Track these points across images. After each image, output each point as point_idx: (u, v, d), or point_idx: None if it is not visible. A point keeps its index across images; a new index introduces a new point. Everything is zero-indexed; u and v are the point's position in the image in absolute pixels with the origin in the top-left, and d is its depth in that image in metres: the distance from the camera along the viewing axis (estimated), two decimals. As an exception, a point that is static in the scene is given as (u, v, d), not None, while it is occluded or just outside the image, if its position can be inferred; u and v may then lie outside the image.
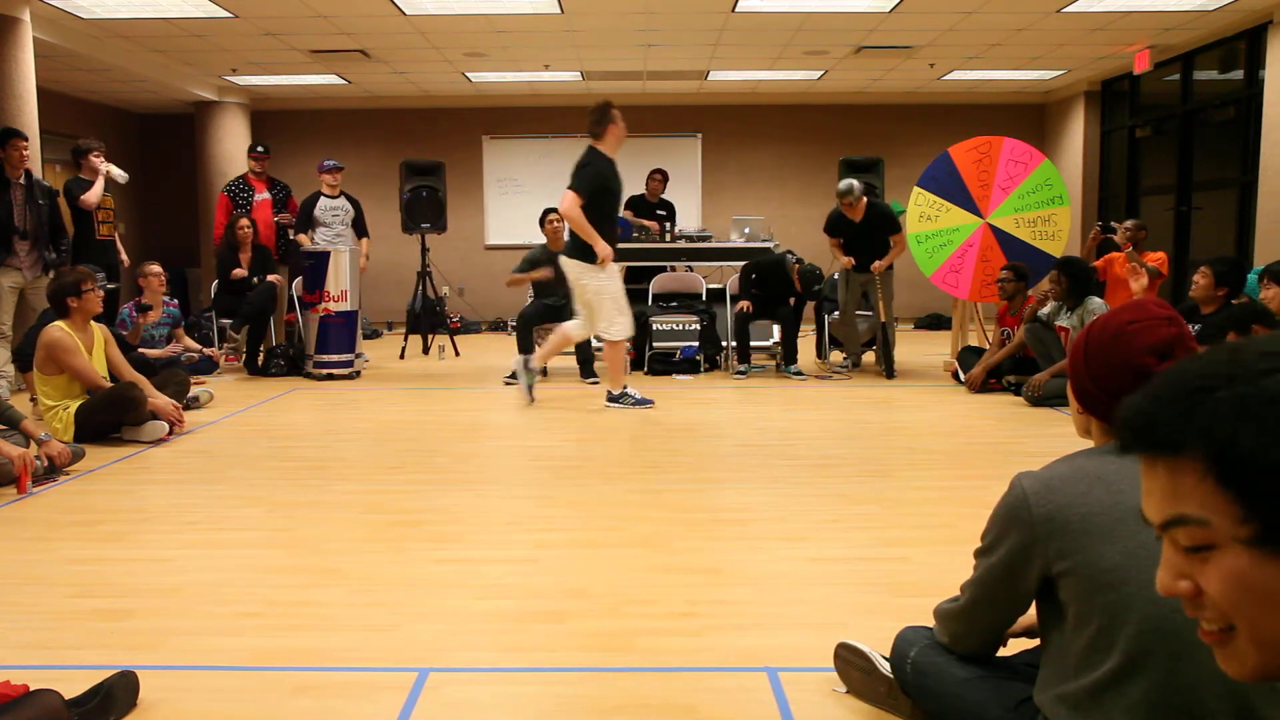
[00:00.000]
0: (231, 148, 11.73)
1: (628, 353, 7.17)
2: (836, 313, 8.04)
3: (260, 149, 9.23)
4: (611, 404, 6.42)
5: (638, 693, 2.36)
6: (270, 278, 8.42)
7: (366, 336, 11.08)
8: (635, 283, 8.55)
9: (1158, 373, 0.80)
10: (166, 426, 5.46)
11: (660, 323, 8.24)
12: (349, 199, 8.89)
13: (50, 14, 7.97)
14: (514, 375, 7.59)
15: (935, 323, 12.03)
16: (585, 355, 7.68)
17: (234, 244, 8.39)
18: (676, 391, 7.10)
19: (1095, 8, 8.17)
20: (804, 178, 12.62)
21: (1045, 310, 6.57)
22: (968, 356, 7.36)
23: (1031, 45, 9.56)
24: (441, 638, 2.70)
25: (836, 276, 8.04)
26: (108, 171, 7.44)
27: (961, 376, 7.17)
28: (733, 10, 8.13)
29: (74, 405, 5.37)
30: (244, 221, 8.44)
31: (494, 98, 12.27)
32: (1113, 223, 8.35)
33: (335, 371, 7.87)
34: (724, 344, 8.32)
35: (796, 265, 7.76)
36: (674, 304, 8.59)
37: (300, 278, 8.29)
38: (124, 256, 7.85)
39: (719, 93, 12.21)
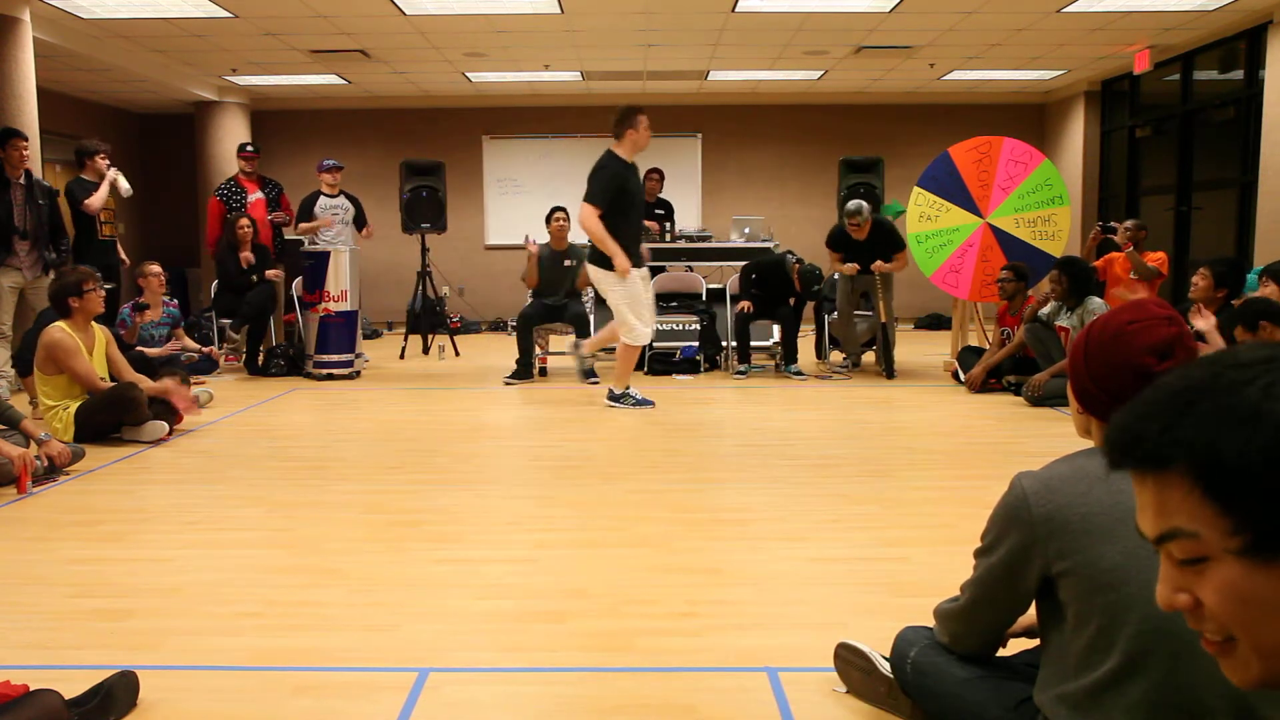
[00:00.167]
0: (231, 148, 11.66)
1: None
2: (836, 313, 8.04)
3: (250, 148, 9.14)
4: (612, 403, 6.42)
5: (638, 693, 2.36)
6: (270, 273, 8.43)
7: (366, 336, 11.08)
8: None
9: (1156, 374, 0.81)
10: (166, 426, 5.46)
11: (660, 323, 8.24)
12: (348, 197, 8.90)
13: (50, 14, 7.97)
14: (514, 376, 7.62)
15: (935, 323, 12.03)
16: (585, 355, 7.69)
17: (234, 244, 8.39)
18: (676, 391, 7.10)
19: (1095, 8, 8.17)
20: (804, 178, 12.62)
21: (1045, 310, 6.57)
22: (968, 356, 7.36)
23: (1031, 45, 9.56)
24: (441, 638, 2.70)
25: (836, 277, 8.04)
26: (115, 180, 7.44)
27: (961, 376, 7.17)
28: (733, 10, 8.13)
29: (74, 405, 5.37)
30: (244, 221, 8.44)
31: (494, 98, 12.27)
32: (1113, 223, 8.36)
33: (335, 371, 7.87)
34: (724, 344, 8.32)
35: (796, 265, 7.76)
36: (674, 304, 8.59)
37: (300, 278, 8.30)
38: (124, 257, 7.84)
39: (719, 93, 12.21)
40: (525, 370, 7.67)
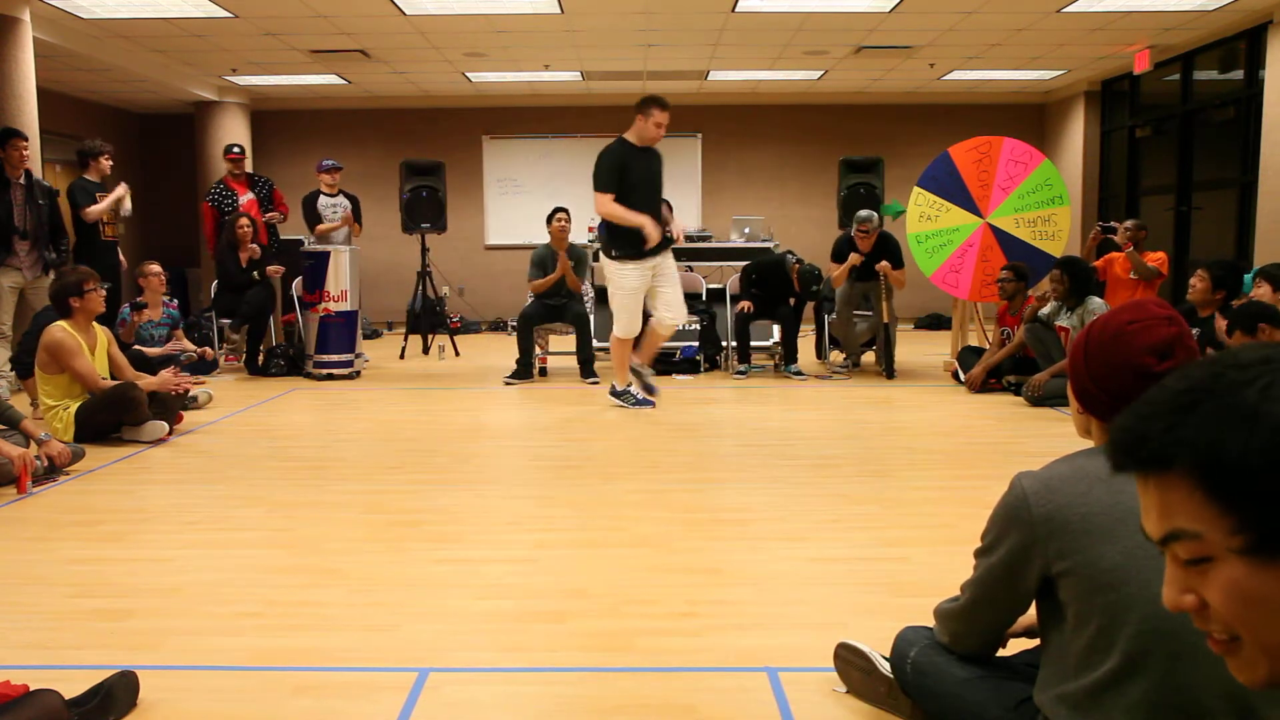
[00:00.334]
0: (232, 148, 11.72)
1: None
2: (836, 313, 8.04)
3: (236, 149, 9.05)
4: (614, 398, 6.44)
5: (638, 693, 2.36)
6: (270, 269, 8.43)
7: (366, 336, 11.08)
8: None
9: (1156, 374, 0.81)
10: (166, 426, 5.46)
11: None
12: (347, 196, 8.92)
13: (50, 14, 7.97)
14: (514, 376, 7.62)
15: (935, 323, 12.03)
16: (585, 355, 7.69)
17: (234, 243, 8.39)
18: (676, 391, 7.10)
19: (1095, 8, 8.17)
20: (804, 178, 12.62)
21: (1045, 310, 6.57)
22: (968, 356, 7.36)
23: (1031, 45, 9.56)
24: (441, 638, 2.70)
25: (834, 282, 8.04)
26: (122, 198, 7.45)
27: (961, 376, 7.17)
28: (733, 10, 8.13)
29: (74, 405, 5.37)
30: (243, 220, 8.43)
31: (494, 98, 12.27)
32: (1113, 223, 8.36)
33: (335, 371, 7.87)
34: (724, 344, 8.32)
35: (796, 266, 7.76)
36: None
37: (300, 278, 8.30)
38: (122, 259, 7.84)
39: (719, 93, 12.21)
40: (525, 370, 7.67)
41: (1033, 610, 1.83)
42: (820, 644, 2.50)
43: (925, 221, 7.56)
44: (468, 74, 10.84)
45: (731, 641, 2.65)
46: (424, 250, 9.49)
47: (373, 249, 11.18)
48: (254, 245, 8.35)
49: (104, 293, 5.64)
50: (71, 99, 11.14)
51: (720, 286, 8.68)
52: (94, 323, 5.53)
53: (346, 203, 8.85)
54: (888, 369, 7.66)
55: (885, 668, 2.21)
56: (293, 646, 2.65)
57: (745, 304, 7.76)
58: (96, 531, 3.76)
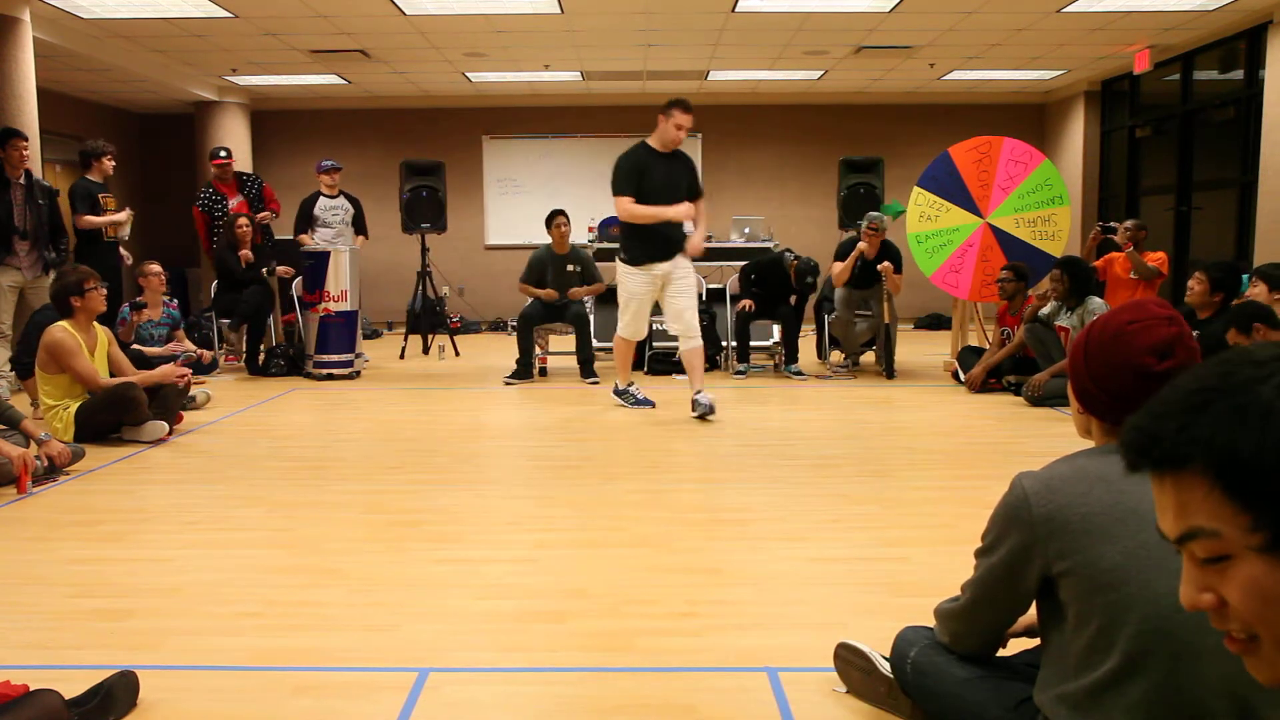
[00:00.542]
0: (232, 147, 11.67)
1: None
2: (836, 313, 8.04)
3: (223, 153, 8.91)
4: (615, 396, 6.44)
5: (638, 693, 2.36)
6: (281, 269, 8.43)
7: (366, 336, 11.08)
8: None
9: (1156, 374, 0.81)
10: (166, 426, 5.47)
11: (658, 323, 8.23)
12: (348, 198, 8.91)
13: (50, 14, 7.97)
14: (514, 376, 7.62)
15: (935, 323, 12.03)
16: (585, 355, 7.69)
17: (234, 243, 8.39)
18: (676, 391, 7.09)
19: (1095, 8, 8.17)
20: (804, 178, 12.62)
21: (1045, 310, 6.57)
22: (968, 356, 7.36)
23: (1031, 45, 9.56)
24: (441, 638, 2.70)
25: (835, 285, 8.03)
26: (121, 223, 7.47)
27: (961, 376, 7.17)
28: (733, 10, 8.13)
29: (74, 405, 5.37)
30: (242, 220, 8.43)
31: (494, 98, 12.27)
32: (1113, 223, 8.36)
33: (335, 371, 7.87)
34: (724, 344, 8.32)
35: (794, 262, 7.76)
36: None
37: (300, 278, 8.29)
38: (124, 254, 7.84)
39: (719, 93, 12.21)
40: (525, 370, 7.68)
41: (1033, 610, 1.83)
42: (820, 644, 2.50)
43: (925, 221, 7.56)
44: (468, 74, 10.84)
45: (731, 641, 2.65)
46: (424, 250, 9.49)
47: (373, 249, 11.16)
48: (246, 253, 8.32)
49: (104, 292, 5.65)
50: (71, 99, 11.14)
51: (720, 286, 8.68)
52: (94, 322, 5.54)
53: (348, 204, 8.83)
54: (888, 369, 7.66)
55: (885, 668, 2.21)
56: (293, 646, 2.65)
57: (746, 303, 7.76)
58: (96, 531, 3.76)
